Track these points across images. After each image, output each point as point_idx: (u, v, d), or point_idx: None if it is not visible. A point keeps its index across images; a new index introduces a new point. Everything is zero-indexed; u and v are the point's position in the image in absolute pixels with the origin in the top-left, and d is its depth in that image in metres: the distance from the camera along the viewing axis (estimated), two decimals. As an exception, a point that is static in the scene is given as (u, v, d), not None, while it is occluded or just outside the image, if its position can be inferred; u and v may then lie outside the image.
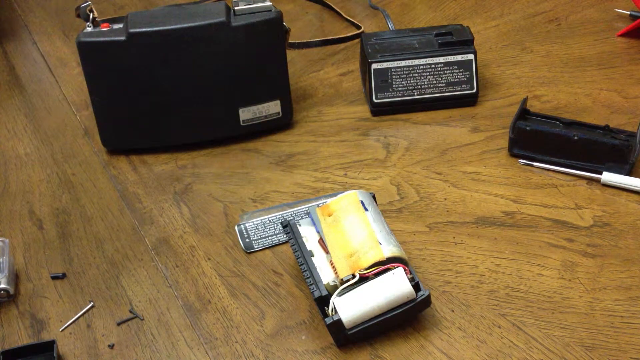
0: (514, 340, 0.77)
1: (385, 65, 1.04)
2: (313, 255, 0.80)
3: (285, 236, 0.89)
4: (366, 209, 0.82)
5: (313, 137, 1.05)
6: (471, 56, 1.05)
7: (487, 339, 0.77)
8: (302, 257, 0.80)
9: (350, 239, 0.79)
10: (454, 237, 0.88)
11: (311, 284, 0.77)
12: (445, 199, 0.93)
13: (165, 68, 0.97)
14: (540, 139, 0.95)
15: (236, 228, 0.92)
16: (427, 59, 1.05)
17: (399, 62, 1.04)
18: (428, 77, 1.05)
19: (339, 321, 0.75)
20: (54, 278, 0.87)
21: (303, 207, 0.93)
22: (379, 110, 1.07)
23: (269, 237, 0.90)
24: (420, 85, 1.05)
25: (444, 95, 1.06)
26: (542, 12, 1.25)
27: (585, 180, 0.94)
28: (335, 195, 0.91)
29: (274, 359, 0.78)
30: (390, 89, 1.05)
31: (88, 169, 1.03)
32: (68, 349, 0.80)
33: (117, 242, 0.92)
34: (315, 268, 0.79)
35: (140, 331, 0.81)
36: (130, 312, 0.83)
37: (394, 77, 1.05)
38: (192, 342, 0.80)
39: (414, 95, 1.06)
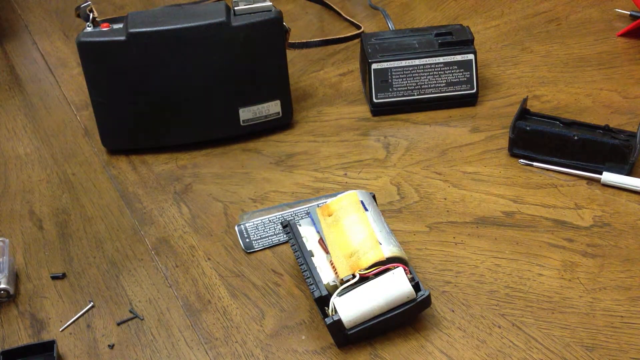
0: (514, 340, 0.77)
1: (385, 65, 1.04)
2: (313, 255, 0.80)
3: (285, 236, 0.89)
4: (366, 209, 0.82)
5: (313, 137, 1.05)
6: (471, 56, 1.05)
7: (487, 339, 0.77)
8: (302, 257, 0.80)
9: (350, 239, 0.79)
10: (454, 237, 0.88)
11: (311, 284, 0.77)
12: (445, 199, 0.93)
13: (165, 68, 0.97)
14: (540, 139, 0.95)
15: (236, 228, 0.92)
16: (427, 59, 1.05)
17: (399, 62, 1.04)
18: (428, 77, 1.05)
19: (339, 321, 0.75)
20: (54, 278, 0.87)
21: (303, 207, 0.93)
22: (379, 110, 1.07)
23: (269, 237, 0.90)
24: (420, 85, 1.05)
25: (444, 95, 1.06)
26: (542, 12, 1.25)
27: (585, 180, 0.94)
28: (335, 195, 0.91)
29: (274, 359, 0.78)
30: (390, 89, 1.05)
31: (88, 169, 1.03)
32: (68, 349, 0.80)
33: (117, 242, 0.92)
34: (315, 268, 0.79)
35: (140, 331, 0.81)
36: (130, 312, 0.83)
37: (394, 77, 1.05)
38: (192, 342, 0.80)
39: (414, 95, 1.06)
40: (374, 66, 1.04)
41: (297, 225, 0.83)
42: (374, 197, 0.85)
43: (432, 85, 1.06)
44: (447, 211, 0.92)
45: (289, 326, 0.80)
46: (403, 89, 1.05)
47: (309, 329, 0.80)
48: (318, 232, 0.82)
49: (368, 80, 1.05)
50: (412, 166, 0.99)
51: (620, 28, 1.19)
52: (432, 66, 1.05)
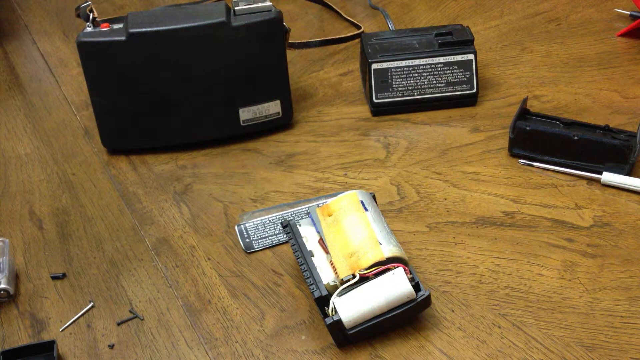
0: (514, 340, 0.77)
1: (385, 65, 1.04)
2: (313, 255, 0.80)
3: (285, 236, 0.89)
4: (366, 209, 0.82)
5: (313, 137, 1.05)
6: (471, 56, 1.05)
7: (487, 339, 0.77)
8: (302, 257, 0.80)
9: (350, 239, 0.79)
10: (454, 237, 0.88)
11: (311, 284, 0.77)
12: (445, 199, 0.93)
13: (165, 68, 0.97)
14: (540, 139, 0.95)
15: (236, 228, 0.92)
16: (427, 59, 1.05)
17: (399, 62, 1.04)
18: (428, 77, 1.05)
19: (339, 321, 0.75)
20: (54, 278, 0.87)
21: (303, 207, 0.93)
22: (379, 110, 1.07)
23: (269, 237, 0.90)
24: (420, 85, 1.05)
25: (444, 95, 1.06)
26: (542, 12, 1.25)
27: (585, 180, 0.94)
28: (335, 195, 0.91)
29: (274, 359, 0.78)
30: (390, 89, 1.05)
31: (88, 169, 1.03)
32: (68, 349, 0.80)
33: (117, 242, 0.92)
34: (315, 268, 0.79)
35: (140, 331, 0.81)
36: (130, 312, 0.83)
37: (394, 77, 1.05)
38: (192, 342, 0.80)
39: (414, 95, 1.06)
40: (374, 66, 1.04)
41: (297, 225, 0.83)
42: (374, 197, 0.85)
43: (432, 85, 1.06)
44: (447, 211, 0.92)
45: (289, 326, 0.80)
46: (403, 89, 1.05)
47: (309, 329, 0.80)
48: (318, 232, 0.82)
49: (368, 80, 1.05)
50: (412, 166, 0.99)
51: (620, 28, 1.19)
52: (432, 66, 1.05)
